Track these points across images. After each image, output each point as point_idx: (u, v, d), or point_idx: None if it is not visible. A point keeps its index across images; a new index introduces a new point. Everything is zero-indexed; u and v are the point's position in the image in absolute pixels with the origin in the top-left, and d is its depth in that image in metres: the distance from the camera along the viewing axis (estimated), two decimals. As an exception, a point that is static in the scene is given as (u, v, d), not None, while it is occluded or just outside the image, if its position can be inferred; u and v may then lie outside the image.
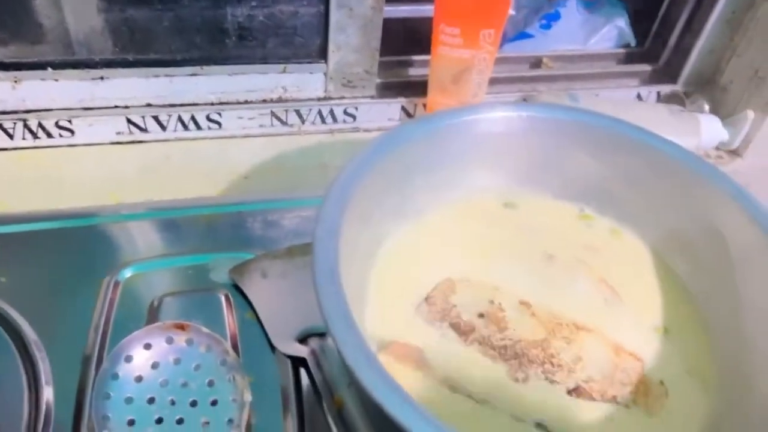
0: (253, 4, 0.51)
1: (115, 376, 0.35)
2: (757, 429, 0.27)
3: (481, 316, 0.36)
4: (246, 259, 0.45)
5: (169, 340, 0.37)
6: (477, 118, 0.41)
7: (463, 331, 0.36)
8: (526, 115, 0.42)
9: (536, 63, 0.66)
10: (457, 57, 0.52)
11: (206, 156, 0.56)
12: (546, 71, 0.66)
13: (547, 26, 0.71)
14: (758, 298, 0.35)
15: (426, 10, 0.73)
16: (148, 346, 0.37)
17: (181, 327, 0.38)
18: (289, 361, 0.40)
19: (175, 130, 0.56)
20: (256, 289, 0.43)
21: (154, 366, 0.37)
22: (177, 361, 0.37)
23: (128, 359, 0.36)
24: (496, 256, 0.40)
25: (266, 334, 0.41)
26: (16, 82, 0.51)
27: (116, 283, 0.43)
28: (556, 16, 0.71)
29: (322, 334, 0.41)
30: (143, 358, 0.36)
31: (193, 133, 0.56)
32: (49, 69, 0.51)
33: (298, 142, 0.58)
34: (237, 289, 0.44)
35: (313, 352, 0.40)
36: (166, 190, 0.51)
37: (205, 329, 0.38)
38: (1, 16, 0.49)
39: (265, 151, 0.56)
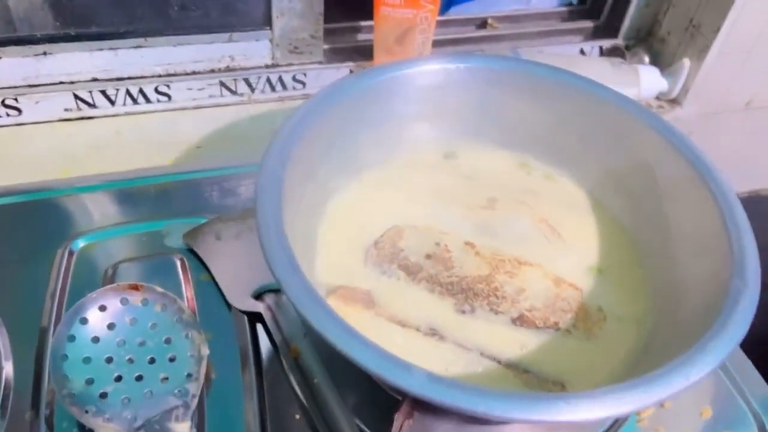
0: (193, -29, 0.51)
1: (72, 338, 0.36)
2: (685, 339, 0.29)
3: (428, 257, 0.38)
4: (196, 222, 0.46)
5: (124, 301, 0.38)
6: (417, 70, 0.42)
7: (411, 271, 0.37)
8: (464, 66, 0.43)
9: (481, 24, 0.68)
10: (400, 17, 0.53)
11: (157, 129, 0.56)
12: (491, 31, 0.67)
13: (492, -13, 0.72)
14: (685, 224, 0.37)
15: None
16: (103, 308, 0.37)
17: (135, 288, 0.38)
18: (245, 318, 0.41)
19: (124, 104, 0.56)
20: (210, 251, 0.44)
21: (110, 327, 0.37)
22: (133, 321, 0.38)
23: (83, 321, 0.37)
24: (441, 204, 0.41)
25: (222, 293, 0.42)
26: (-45, 60, 0.50)
27: (70, 253, 0.44)
28: (500, -22, 0.73)
29: (277, 290, 0.42)
30: (98, 318, 0.37)
31: (143, 106, 0.56)
32: (-9, 46, 0.51)
33: (249, 110, 0.59)
34: (192, 253, 0.45)
35: (269, 308, 0.41)
36: (119, 164, 0.52)
37: (159, 289, 0.39)
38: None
39: (216, 121, 0.57)
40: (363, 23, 0.63)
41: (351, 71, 0.60)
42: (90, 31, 0.52)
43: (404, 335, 0.34)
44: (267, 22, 0.55)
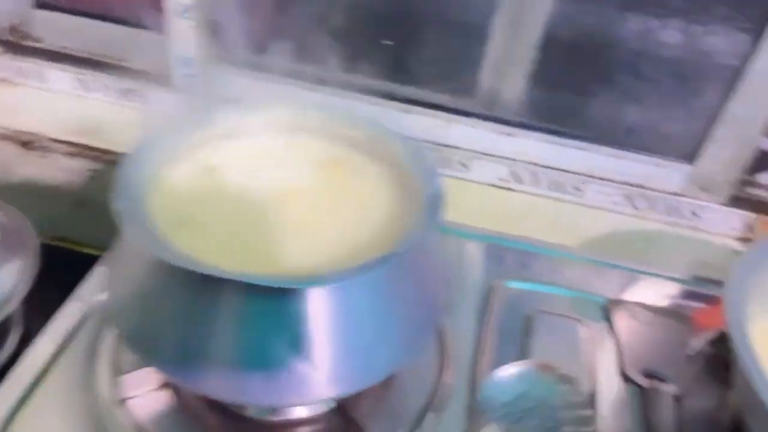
0: (651, 105, 0.62)
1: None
2: None
3: None
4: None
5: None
6: None
7: None
8: None
9: None
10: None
11: (562, 215, 0.67)
12: None
13: None
14: None
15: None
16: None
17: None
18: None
19: (544, 188, 0.68)
20: (623, 323, 0.53)
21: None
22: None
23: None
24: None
25: (621, 358, 0.50)
26: (448, 122, 0.67)
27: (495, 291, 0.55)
28: None
29: (662, 379, 0.48)
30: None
31: (556, 194, 0.68)
32: (474, 118, 0.66)
33: (641, 225, 0.67)
34: (590, 326, 0.53)
35: (653, 388, 0.47)
36: (533, 231, 0.63)
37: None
38: (455, 73, 0.65)
39: (611, 225, 0.66)
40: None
41: (747, 222, 0.65)
42: (549, 127, 0.65)
43: None
44: (690, 158, 0.64)
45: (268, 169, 0.44)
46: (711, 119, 0.61)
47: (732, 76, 0.58)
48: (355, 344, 0.36)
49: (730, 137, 0.61)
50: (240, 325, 0.34)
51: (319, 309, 0.34)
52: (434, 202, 0.39)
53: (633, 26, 0.58)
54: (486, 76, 0.65)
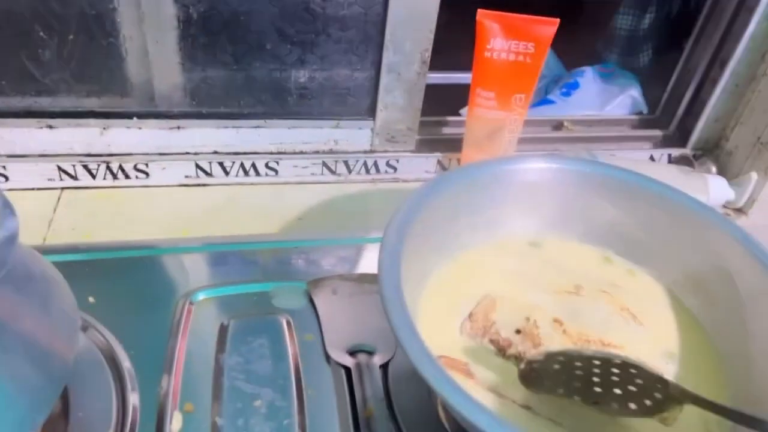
0: (314, 67, 0.59)
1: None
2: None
3: (518, 332, 0.41)
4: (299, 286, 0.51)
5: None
6: (516, 167, 0.47)
7: (501, 346, 0.41)
8: (557, 166, 0.48)
9: (558, 126, 0.73)
10: (492, 117, 0.59)
11: (264, 199, 0.62)
12: (566, 133, 0.73)
13: (567, 94, 0.79)
14: (764, 330, 0.40)
15: (459, 77, 0.81)
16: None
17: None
18: (343, 375, 0.45)
19: (236, 176, 0.62)
20: (324, 302, 0.50)
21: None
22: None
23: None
24: (529, 285, 0.45)
25: (324, 344, 0.47)
26: (104, 129, 0.58)
27: (190, 303, 0.49)
28: (576, 85, 0.79)
29: (369, 352, 0.46)
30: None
31: (252, 178, 0.63)
32: (135, 118, 0.58)
33: (344, 189, 0.65)
34: (294, 315, 0.49)
35: (358, 365, 0.45)
36: (231, 228, 0.58)
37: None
38: (96, 73, 0.56)
39: (316, 196, 0.63)
40: (451, 118, 0.70)
41: (438, 161, 0.66)
42: (219, 111, 0.60)
43: (502, 405, 0.37)
44: (371, 113, 0.62)
45: None
46: (377, 71, 0.60)
47: (378, 23, 0.57)
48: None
49: (396, 85, 0.60)
50: None
51: None
52: (3, 248, 0.31)
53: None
54: (133, 70, 0.57)
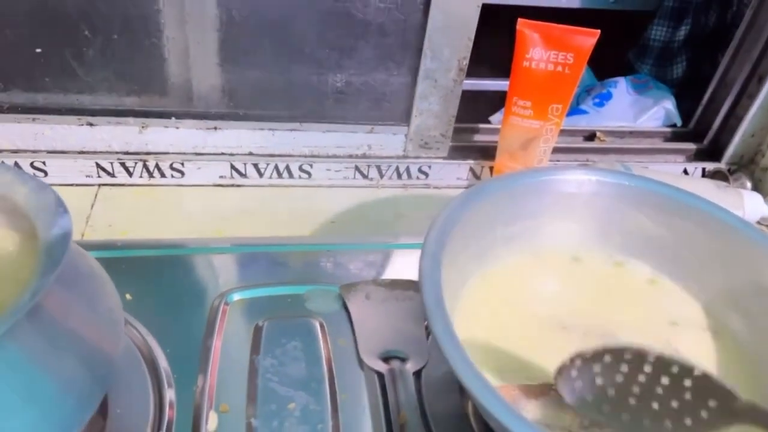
0: (352, 72, 0.59)
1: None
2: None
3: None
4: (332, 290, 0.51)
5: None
6: (553, 178, 0.47)
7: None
8: (596, 179, 0.48)
9: (590, 136, 0.73)
10: (527, 127, 0.59)
11: (296, 201, 0.62)
12: (599, 144, 0.72)
13: (600, 104, 0.78)
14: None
15: (488, 84, 0.81)
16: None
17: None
18: (376, 380, 0.45)
19: (270, 177, 0.63)
20: (358, 307, 0.50)
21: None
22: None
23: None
24: (567, 304, 0.45)
25: (357, 349, 0.47)
26: (143, 127, 0.59)
27: (225, 304, 0.49)
28: (609, 96, 0.79)
29: (403, 359, 0.46)
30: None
31: (286, 180, 0.63)
32: (173, 118, 0.59)
33: (376, 193, 0.65)
34: (327, 319, 0.49)
35: (391, 371, 0.45)
36: (262, 229, 0.58)
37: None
38: (137, 72, 0.57)
39: (347, 200, 0.63)
40: (483, 126, 0.70)
41: (471, 168, 0.66)
42: (255, 113, 0.60)
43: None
44: (405, 119, 0.62)
45: None
46: (413, 77, 0.60)
47: (418, 29, 0.57)
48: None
49: (432, 91, 0.61)
50: None
51: None
52: (58, 245, 0.32)
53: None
54: (173, 70, 0.58)
